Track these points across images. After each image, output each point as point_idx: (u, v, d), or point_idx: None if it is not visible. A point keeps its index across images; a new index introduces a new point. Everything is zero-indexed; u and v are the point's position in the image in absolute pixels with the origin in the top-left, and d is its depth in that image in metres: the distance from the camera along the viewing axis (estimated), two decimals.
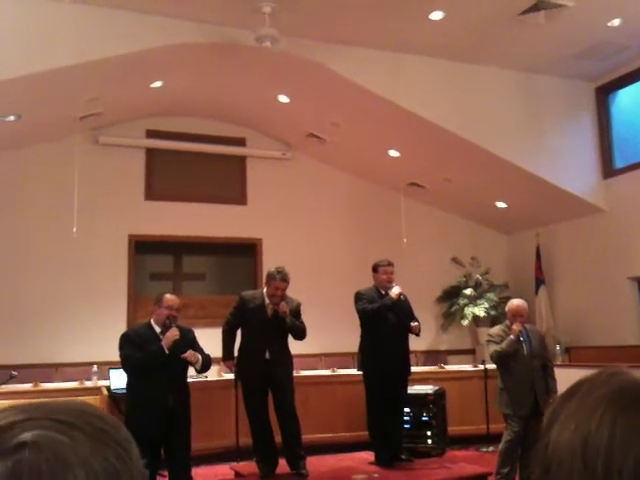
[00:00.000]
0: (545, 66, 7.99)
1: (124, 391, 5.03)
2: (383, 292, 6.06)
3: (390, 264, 6.15)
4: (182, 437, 4.75)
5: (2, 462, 0.50)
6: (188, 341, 4.84)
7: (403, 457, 6.01)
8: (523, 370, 5.19)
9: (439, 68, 7.68)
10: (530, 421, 5.09)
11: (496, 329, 5.50)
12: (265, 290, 5.72)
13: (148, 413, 4.52)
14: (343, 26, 6.82)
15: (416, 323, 6.07)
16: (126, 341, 4.68)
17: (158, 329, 4.72)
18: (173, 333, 4.62)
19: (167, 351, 4.59)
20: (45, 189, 8.27)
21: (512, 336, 5.18)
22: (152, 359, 4.58)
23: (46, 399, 0.58)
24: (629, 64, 7.97)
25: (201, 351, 4.95)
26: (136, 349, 4.59)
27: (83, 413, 0.56)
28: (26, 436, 0.51)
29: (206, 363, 4.92)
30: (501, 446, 5.21)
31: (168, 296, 4.85)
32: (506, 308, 5.53)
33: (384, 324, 5.95)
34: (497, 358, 5.27)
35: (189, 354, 4.74)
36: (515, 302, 5.43)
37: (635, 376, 0.59)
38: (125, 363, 4.66)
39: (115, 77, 6.89)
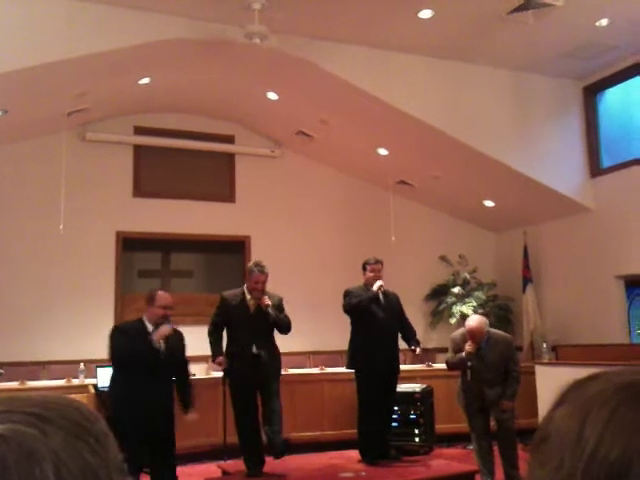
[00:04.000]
0: (533, 65, 8.02)
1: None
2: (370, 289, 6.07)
3: (378, 262, 6.17)
4: (168, 437, 4.70)
5: None
6: (180, 346, 4.76)
7: (392, 453, 6.02)
8: (475, 379, 5.26)
9: (428, 66, 7.69)
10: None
11: (457, 334, 5.53)
12: (245, 286, 5.71)
13: (135, 411, 4.46)
14: (333, 24, 6.81)
15: (417, 348, 6.15)
16: (117, 333, 4.58)
17: (150, 327, 4.58)
18: (166, 329, 4.51)
19: (156, 345, 4.49)
20: (32, 185, 8.21)
21: (464, 354, 5.24)
22: (142, 353, 4.47)
23: (26, 393, 0.57)
24: (617, 64, 8.01)
25: (185, 359, 4.91)
26: (127, 342, 4.47)
27: (58, 406, 0.55)
28: None
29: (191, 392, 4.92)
30: (473, 445, 5.38)
31: (162, 294, 4.71)
32: (465, 323, 5.44)
33: (372, 320, 5.98)
34: (448, 366, 5.48)
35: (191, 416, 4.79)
36: (472, 323, 5.30)
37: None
38: (115, 353, 4.52)
39: (103, 73, 6.85)
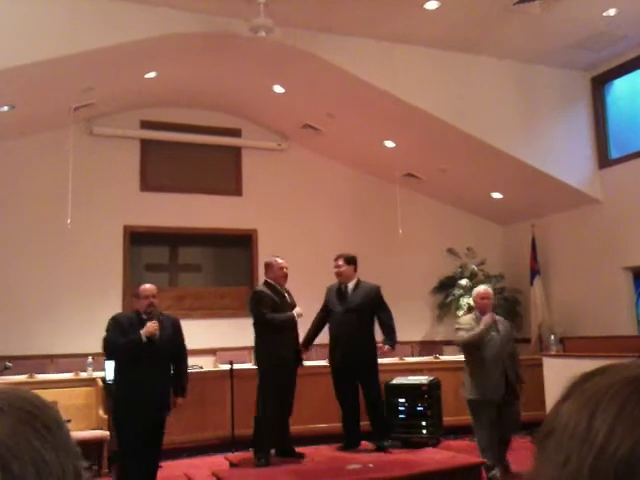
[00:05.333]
0: (540, 56, 7.97)
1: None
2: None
3: (337, 258, 6.67)
4: (161, 423, 4.92)
5: None
6: (174, 330, 5.02)
7: (386, 444, 6.25)
8: (495, 357, 5.31)
9: (434, 58, 7.65)
10: (504, 407, 5.28)
11: (466, 318, 5.66)
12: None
13: (134, 398, 4.71)
14: (338, 16, 6.79)
15: (385, 345, 6.41)
16: (114, 324, 4.87)
17: (143, 317, 4.92)
18: (153, 326, 4.77)
19: (144, 339, 4.74)
20: (39, 180, 8.24)
21: (482, 325, 5.31)
22: (131, 347, 4.74)
23: None
24: (625, 54, 7.95)
25: (183, 344, 5.11)
26: (121, 333, 4.78)
27: (7, 395, 0.57)
28: None
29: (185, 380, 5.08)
30: (479, 437, 5.33)
31: (143, 287, 5.08)
32: (473, 295, 5.74)
33: (333, 315, 6.49)
34: (464, 346, 5.45)
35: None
36: (482, 287, 5.73)
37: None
38: (106, 346, 4.85)
39: (109, 67, 6.86)
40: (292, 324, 6.00)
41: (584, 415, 0.54)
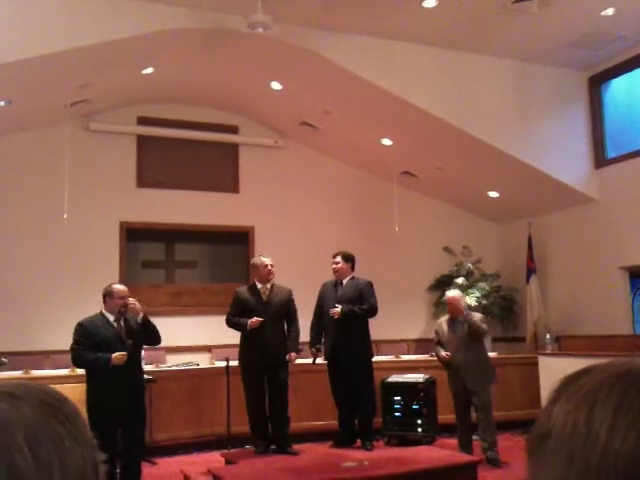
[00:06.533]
0: (538, 55, 7.97)
1: None
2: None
3: (335, 255, 6.80)
4: (138, 416, 5.05)
5: None
6: (135, 330, 5.14)
7: (367, 446, 6.42)
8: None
9: (432, 56, 7.65)
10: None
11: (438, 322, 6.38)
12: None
13: (108, 400, 4.82)
14: (336, 13, 6.78)
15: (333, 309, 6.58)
16: (83, 332, 4.97)
17: (111, 318, 5.04)
18: (121, 359, 4.88)
19: (111, 366, 4.87)
20: (36, 176, 8.22)
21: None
22: (98, 366, 4.89)
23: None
24: (622, 54, 7.95)
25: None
26: (90, 342, 4.90)
27: (29, 388, 0.59)
28: None
29: (155, 332, 5.26)
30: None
31: (118, 287, 5.17)
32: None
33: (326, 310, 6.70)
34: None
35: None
36: (449, 293, 6.34)
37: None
38: (74, 359, 5.03)
39: (106, 63, 6.84)
40: (248, 329, 6.14)
41: (581, 414, 0.53)
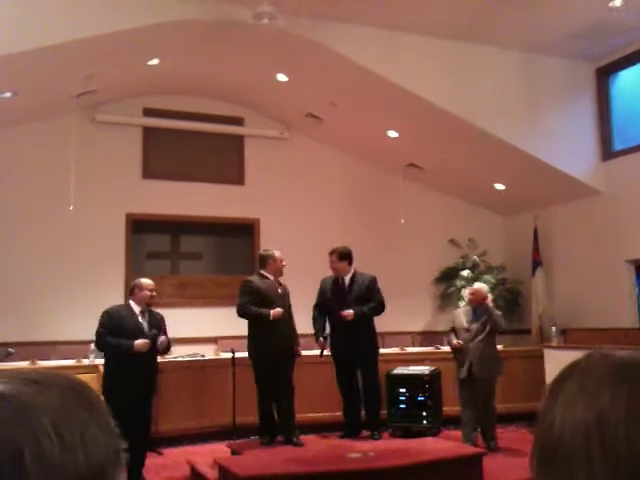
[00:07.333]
0: (545, 46, 7.92)
1: None
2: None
3: (330, 253, 6.80)
4: (149, 407, 5.28)
5: None
6: (157, 325, 5.41)
7: (375, 436, 6.48)
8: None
9: (438, 47, 7.61)
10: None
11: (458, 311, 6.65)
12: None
13: (126, 385, 5.02)
14: (342, 4, 6.75)
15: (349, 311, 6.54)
16: (109, 319, 5.22)
17: (137, 309, 5.32)
18: (145, 345, 5.15)
19: (133, 352, 5.12)
20: (42, 167, 8.23)
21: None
22: (120, 351, 5.14)
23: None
24: (630, 45, 7.90)
25: (166, 334, 5.49)
26: (114, 329, 5.16)
27: (54, 375, 0.60)
28: None
29: (167, 346, 5.53)
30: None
31: (146, 280, 5.47)
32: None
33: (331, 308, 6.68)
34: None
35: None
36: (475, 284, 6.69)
37: (623, 354, 0.58)
38: (98, 343, 5.30)
39: (111, 54, 6.82)
40: (269, 320, 6.11)
41: (592, 423, 0.51)
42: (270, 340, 6.12)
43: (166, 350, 5.60)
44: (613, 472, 0.49)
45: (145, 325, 5.29)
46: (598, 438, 0.50)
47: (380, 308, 6.63)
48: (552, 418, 0.55)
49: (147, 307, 5.37)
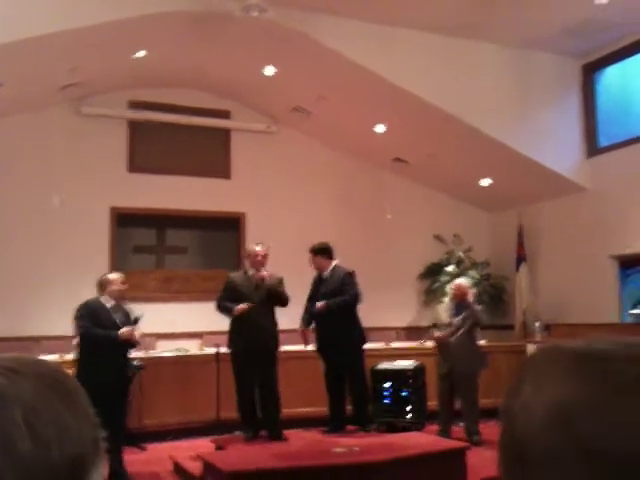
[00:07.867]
0: (532, 43, 7.94)
1: None
2: None
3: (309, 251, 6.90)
4: (122, 397, 5.24)
5: None
6: (129, 320, 5.36)
7: (366, 427, 6.55)
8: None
9: (428, 43, 7.61)
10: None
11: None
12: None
13: (99, 377, 4.87)
14: None
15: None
16: (87, 312, 5.16)
17: (108, 305, 5.24)
18: (129, 333, 5.14)
19: (121, 338, 5.11)
20: (27, 159, 8.15)
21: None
22: (107, 341, 5.10)
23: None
24: (616, 42, 7.94)
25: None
26: (93, 322, 5.11)
27: (31, 362, 0.58)
28: None
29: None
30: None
31: (113, 275, 5.42)
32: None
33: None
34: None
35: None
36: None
37: (576, 345, 0.57)
38: (84, 335, 5.19)
39: (97, 46, 6.76)
40: (236, 314, 6.23)
41: (555, 425, 0.50)
42: (238, 335, 6.25)
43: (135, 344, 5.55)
44: (585, 470, 0.48)
45: (118, 320, 5.26)
46: (562, 438, 0.49)
47: (351, 300, 6.65)
48: (512, 425, 0.54)
49: (120, 301, 5.33)
